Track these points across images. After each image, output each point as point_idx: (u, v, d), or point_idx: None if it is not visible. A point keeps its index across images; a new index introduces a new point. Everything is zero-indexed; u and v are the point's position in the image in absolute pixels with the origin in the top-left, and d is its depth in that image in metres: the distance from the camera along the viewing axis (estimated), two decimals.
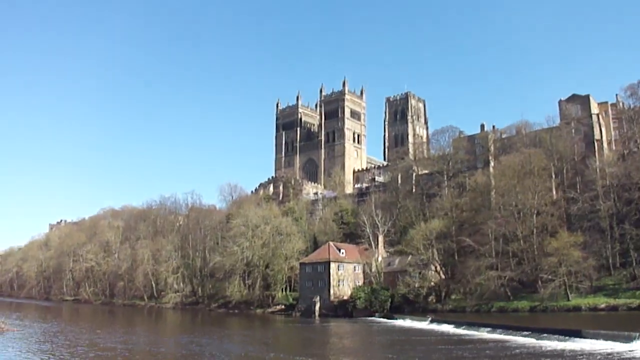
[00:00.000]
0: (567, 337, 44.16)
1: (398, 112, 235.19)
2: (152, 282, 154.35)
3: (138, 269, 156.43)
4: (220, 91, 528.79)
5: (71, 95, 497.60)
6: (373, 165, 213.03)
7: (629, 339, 39.14)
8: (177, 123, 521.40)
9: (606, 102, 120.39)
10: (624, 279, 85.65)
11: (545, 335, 46.82)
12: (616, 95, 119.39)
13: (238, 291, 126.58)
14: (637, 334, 39.08)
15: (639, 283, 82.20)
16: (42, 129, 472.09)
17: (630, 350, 36.07)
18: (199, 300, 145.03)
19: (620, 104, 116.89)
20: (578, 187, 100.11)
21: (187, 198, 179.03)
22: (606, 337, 41.32)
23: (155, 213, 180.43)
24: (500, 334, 53.35)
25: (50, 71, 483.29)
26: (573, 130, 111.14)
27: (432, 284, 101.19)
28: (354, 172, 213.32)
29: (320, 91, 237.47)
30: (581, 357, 35.00)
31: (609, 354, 35.84)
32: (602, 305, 77.50)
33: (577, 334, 44.26)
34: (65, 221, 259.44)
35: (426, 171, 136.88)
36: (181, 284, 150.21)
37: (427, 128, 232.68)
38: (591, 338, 42.23)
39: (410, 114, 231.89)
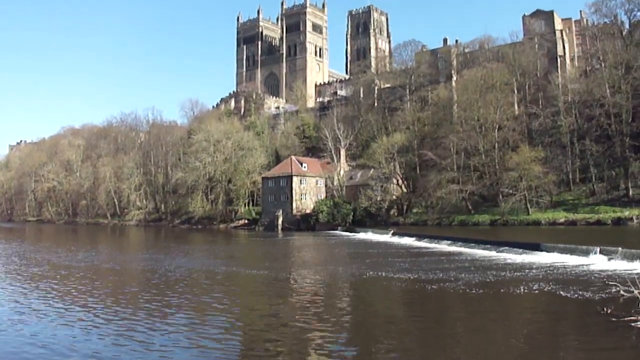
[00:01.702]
0: (526, 250, 44.78)
1: (360, 25, 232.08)
2: (115, 200, 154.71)
3: (100, 187, 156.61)
4: (180, 5, 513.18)
5: (27, 14, 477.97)
6: (335, 79, 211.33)
7: (586, 253, 39.72)
8: (137, 38, 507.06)
9: (570, 19, 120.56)
10: (583, 195, 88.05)
11: (505, 248, 47.43)
12: (580, 11, 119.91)
13: (201, 207, 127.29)
14: (595, 248, 39.65)
15: (598, 198, 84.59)
16: None
17: (587, 264, 36.62)
18: (162, 216, 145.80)
19: (584, 20, 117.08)
20: (540, 102, 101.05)
21: (148, 114, 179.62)
22: (564, 251, 41.92)
23: (115, 130, 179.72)
24: (461, 246, 54.01)
25: None
26: (536, 46, 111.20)
27: (394, 197, 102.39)
28: (315, 85, 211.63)
29: (282, 4, 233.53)
30: (539, 269, 35.43)
31: (566, 266, 36.36)
32: (562, 220, 79.67)
33: (536, 247, 44.86)
34: (25, 141, 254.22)
35: (388, 85, 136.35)
36: (144, 200, 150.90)
37: (389, 42, 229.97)
38: (550, 251, 42.83)
39: (372, 27, 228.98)
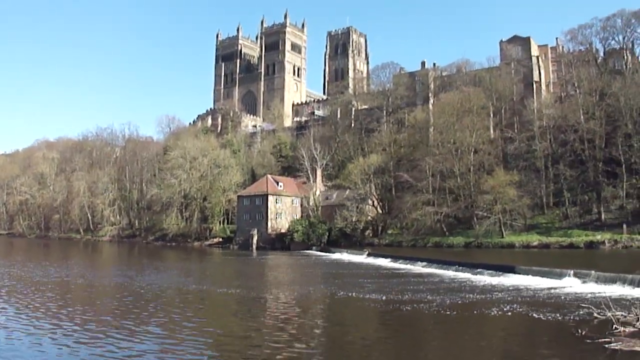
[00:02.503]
0: (501, 273, 44.94)
1: (339, 46, 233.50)
2: (89, 215, 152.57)
3: (74, 201, 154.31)
4: (159, 21, 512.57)
5: (4, 24, 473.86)
6: (313, 99, 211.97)
7: (560, 275, 40.09)
8: (114, 52, 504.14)
9: (546, 45, 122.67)
10: (556, 218, 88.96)
11: (479, 270, 47.51)
12: (556, 38, 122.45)
13: (175, 224, 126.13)
14: (569, 271, 39.97)
15: (571, 222, 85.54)
16: None
17: (561, 287, 36.85)
18: (136, 232, 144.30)
19: (560, 47, 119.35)
20: (515, 127, 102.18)
21: (124, 129, 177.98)
22: (539, 274, 42.20)
23: (91, 144, 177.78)
24: (436, 268, 53.91)
25: None
26: (513, 71, 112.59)
27: (370, 218, 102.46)
28: (293, 105, 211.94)
29: (262, 23, 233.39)
30: (515, 291, 35.56)
31: (541, 288, 36.54)
32: (535, 243, 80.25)
33: (511, 269, 45.11)
34: None
35: (366, 106, 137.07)
36: (118, 216, 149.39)
37: (367, 63, 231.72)
38: (524, 274, 43.03)
39: (351, 48, 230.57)
